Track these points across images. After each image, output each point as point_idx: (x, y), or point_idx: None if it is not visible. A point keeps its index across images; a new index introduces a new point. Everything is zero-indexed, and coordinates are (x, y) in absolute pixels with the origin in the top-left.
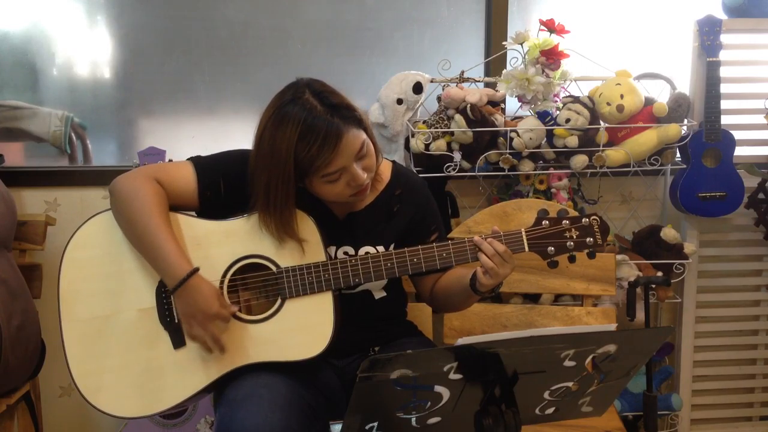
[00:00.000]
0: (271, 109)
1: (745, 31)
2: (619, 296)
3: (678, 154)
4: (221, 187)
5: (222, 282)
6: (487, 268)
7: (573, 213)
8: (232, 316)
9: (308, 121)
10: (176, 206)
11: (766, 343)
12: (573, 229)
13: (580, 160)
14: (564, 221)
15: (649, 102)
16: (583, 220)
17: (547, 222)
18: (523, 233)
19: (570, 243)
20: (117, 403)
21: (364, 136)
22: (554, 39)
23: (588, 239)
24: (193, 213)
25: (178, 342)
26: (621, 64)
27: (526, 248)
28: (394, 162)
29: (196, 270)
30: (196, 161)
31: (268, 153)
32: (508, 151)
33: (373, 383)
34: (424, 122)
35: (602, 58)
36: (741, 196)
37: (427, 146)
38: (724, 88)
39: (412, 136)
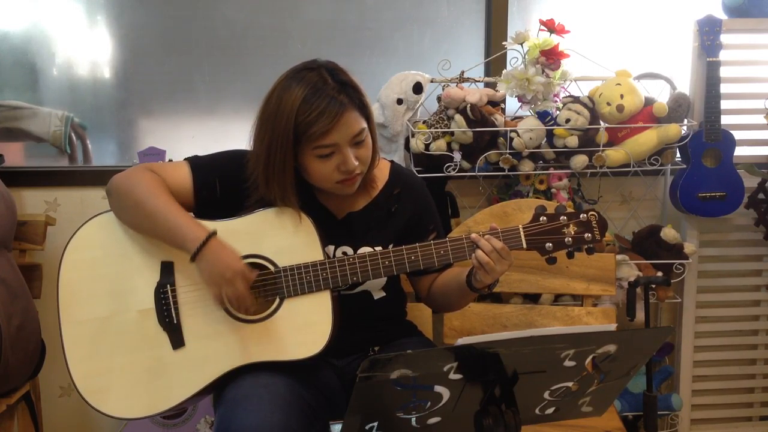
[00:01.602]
0: (283, 76)
1: (745, 31)
2: (619, 296)
3: (678, 154)
4: (217, 187)
5: None
6: (482, 263)
7: (572, 208)
8: (230, 317)
9: (315, 89)
10: None
11: (766, 343)
12: (571, 225)
13: (580, 160)
14: (562, 217)
15: (649, 102)
16: (581, 215)
17: (545, 218)
18: (521, 229)
19: (568, 239)
20: (117, 405)
21: (364, 124)
22: (554, 39)
23: (586, 235)
24: (191, 214)
25: (177, 342)
26: (621, 64)
27: (524, 244)
28: (392, 162)
29: (215, 233)
30: (192, 161)
31: (272, 114)
32: (508, 151)
33: (373, 383)
34: (424, 122)
35: (602, 58)
36: (741, 196)
37: (427, 146)
38: (724, 88)
39: (412, 136)
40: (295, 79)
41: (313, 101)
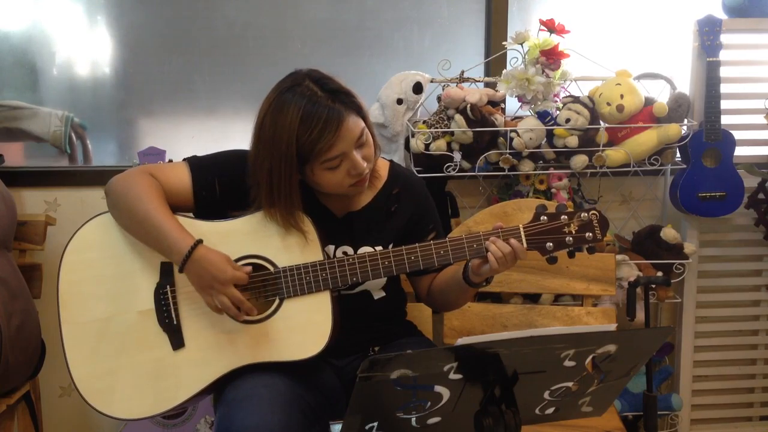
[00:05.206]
0: (271, 96)
1: (745, 31)
2: (619, 296)
3: (678, 154)
4: (216, 187)
5: None
6: (496, 258)
7: (572, 208)
8: (230, 318)
9: (309, 106)
10: (172, 207)
11: (766, 343)
12: (572, 225)
13: (580, 160)
14: (562, 216)
15: (649, 102)
16: (582, 215)
17: (546, 217)
18: (522, 229)
19: (569, 238)
20: (117, 406)
21: (363, 124)
22: (554, 39)
23: (587, 234)
24: (190, 214)
25: (177, 343)
26: (621, 64)
27: (525, 244)
28: (391, 161)
29: (200, 241)
30: (192, 161)
31: (270, 139)
32: (508, 151)
33: (373, 383)
34: (424, 122)
35: (602, 58)
36: (741, 196)
37: (427, 146)
38: (724, 88)
39: (412, 136)
40: (284, 98)
41: (311, 118)
